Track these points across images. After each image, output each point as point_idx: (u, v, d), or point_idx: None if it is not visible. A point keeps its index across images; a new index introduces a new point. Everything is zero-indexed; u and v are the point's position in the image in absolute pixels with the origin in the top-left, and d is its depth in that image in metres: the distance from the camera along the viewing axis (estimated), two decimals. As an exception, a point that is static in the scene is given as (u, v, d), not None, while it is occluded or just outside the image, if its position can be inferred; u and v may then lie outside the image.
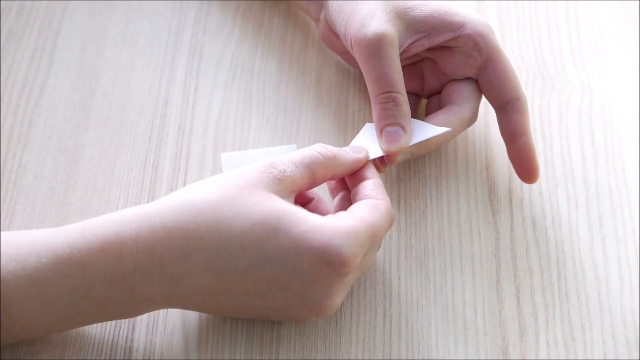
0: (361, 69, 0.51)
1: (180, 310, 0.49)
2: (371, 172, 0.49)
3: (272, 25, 0.63)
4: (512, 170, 0.56)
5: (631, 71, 0.60)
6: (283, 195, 0.44)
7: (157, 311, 0.49)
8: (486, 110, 0.58)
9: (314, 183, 0.47)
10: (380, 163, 0.51)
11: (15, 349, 0.47)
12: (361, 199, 0.47)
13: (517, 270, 0.52)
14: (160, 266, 0.42)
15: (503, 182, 0.55)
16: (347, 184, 0.50)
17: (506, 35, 0.62)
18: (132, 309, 0.44)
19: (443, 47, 0.53)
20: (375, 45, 0.49)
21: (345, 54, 0.58)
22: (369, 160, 0.50)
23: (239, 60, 0.61)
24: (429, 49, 0.53)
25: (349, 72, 0.60)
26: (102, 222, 0.43)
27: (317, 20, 0.57)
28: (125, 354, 0.48)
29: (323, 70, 0.60)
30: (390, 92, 0.49)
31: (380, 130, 0.50)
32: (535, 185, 0.55)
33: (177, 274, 0.42)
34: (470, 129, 0.57)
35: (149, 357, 0.48)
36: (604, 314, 0.50)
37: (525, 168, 0.52)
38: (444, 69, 0.54)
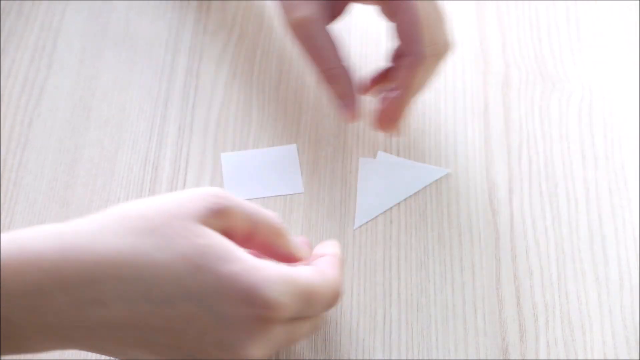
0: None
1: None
2: (331, 250, 0.46)
3: (272, 25, 0.63)
4: (512, 170, 0.56)
5: (631, 71, 0.60)
6: (217, 230, 0.40)
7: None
8: (486, 109, 0.58)
9: (249, 241, 0.43)
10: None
11: (15, 349, 0.47)
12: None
13: (517, 270, 0.52)
14: (66, 289, 0.38)
15: (503, 182, 0.55)
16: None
17: (506, 35, 0.62)
18: (23, 339, 0.39)
19: None
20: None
21: None
22: (330, 244, 0.47)
23: (239, 60, 0.61)
24: None
25: (349, 72, 0.60)
26: (9, 235, 0.39)
27: None
28: (125, 354, 0.48)
29: (323, 70, 0.60)
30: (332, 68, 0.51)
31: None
32: (535, 185, 0.55)
33: (84, 300, 0.38)
34: (470, 128, 0.57)
35: (149, 357, 0.48)
36: (604, 314, 0.50)
37: (382, 116, 0.52)
38: None
